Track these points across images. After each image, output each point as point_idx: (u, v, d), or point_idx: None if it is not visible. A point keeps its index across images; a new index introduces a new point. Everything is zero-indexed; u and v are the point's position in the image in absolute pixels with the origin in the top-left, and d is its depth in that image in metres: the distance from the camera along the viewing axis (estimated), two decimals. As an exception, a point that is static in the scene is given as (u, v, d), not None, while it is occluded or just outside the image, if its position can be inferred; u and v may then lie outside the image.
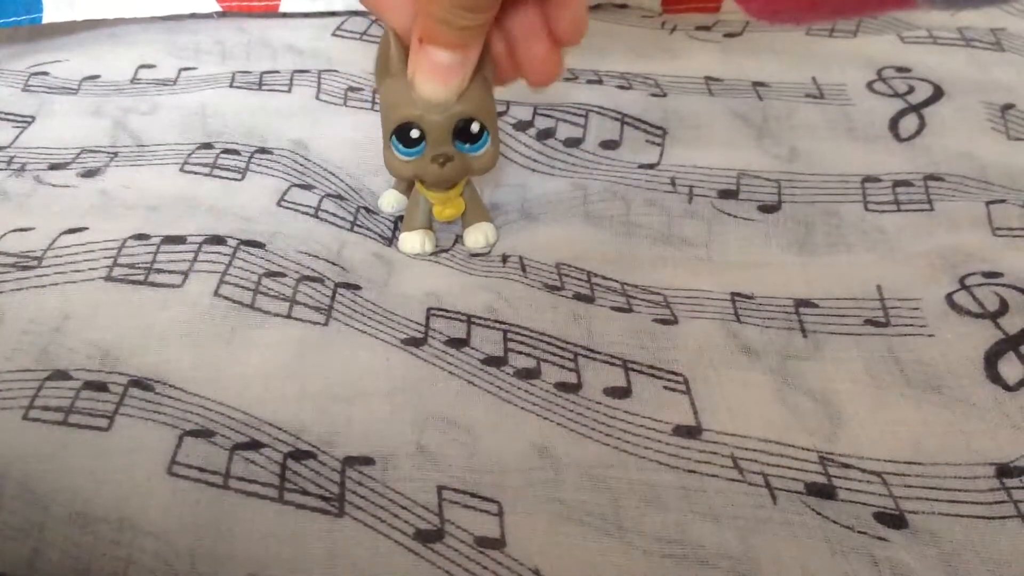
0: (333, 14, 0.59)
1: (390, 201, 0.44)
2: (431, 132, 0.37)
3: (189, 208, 0.42)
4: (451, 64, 0.35)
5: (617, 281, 0.40)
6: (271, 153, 0.46)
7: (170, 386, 0.34)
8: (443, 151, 0.38)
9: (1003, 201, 0.43)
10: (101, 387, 0.33)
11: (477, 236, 0.42)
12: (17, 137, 0.48)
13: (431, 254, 0.41)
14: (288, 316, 0.36)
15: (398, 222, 0.44)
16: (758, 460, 0.32)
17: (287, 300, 0.37)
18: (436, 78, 0.36)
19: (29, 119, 0.50)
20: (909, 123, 0.49)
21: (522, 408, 0.34)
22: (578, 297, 0.38)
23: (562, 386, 0.35)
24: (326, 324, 0.36)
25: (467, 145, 0.38)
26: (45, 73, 0.54)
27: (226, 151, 0.46)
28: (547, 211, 0.44)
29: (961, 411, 0.34)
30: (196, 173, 0.45)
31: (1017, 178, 0.45)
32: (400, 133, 0.38)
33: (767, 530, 0.30)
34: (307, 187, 0.44)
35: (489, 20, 0.35)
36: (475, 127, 0.38)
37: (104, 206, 0.43)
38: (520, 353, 0.36)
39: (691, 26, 0.59)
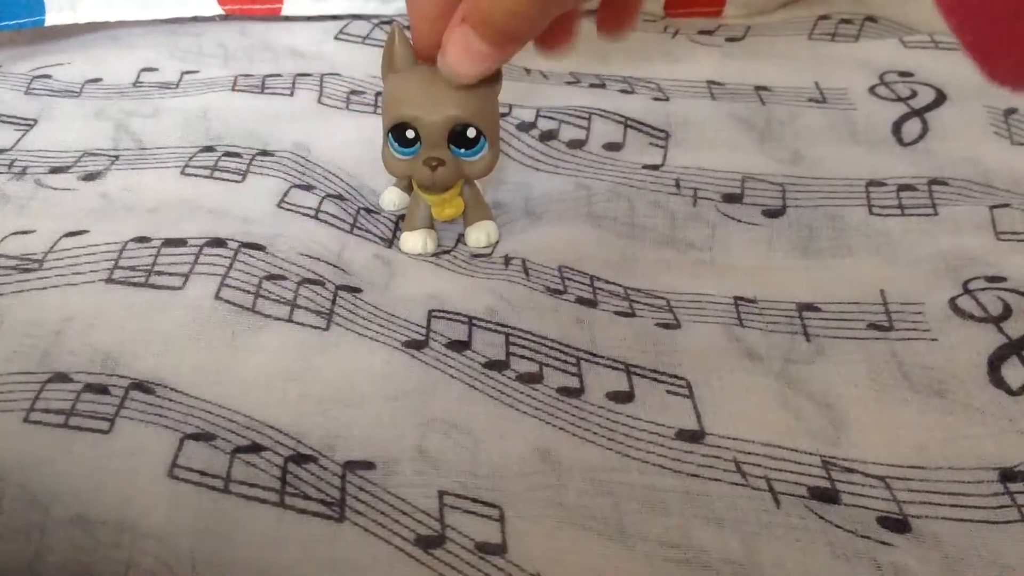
0: (335, 18, 0.59)
1: (391, 199, 0.44)
2: (426, 134, 0.37)
3: (190, 211, 0.42)
4: (484, 53, 0.34)
5: (620, 285, 0.40)
6: (272, 155, 0.46)
7: (171, 389, 0.33)
8: (436, 155, 0.38)
9: (1007, 205, 0.43)
10: (102, 390, 0.33)
11: (479, 235, 0.42)
12: (19, 140, 0.48)
13: (432, 255, 0.41)
14: (289, 320, 0.36)
15: (399, 222, 0.44)
16: (761, 464, 0.32)
17: (288, 304, 0.37)
18: (465, 61, 0.34)
19: (31, 122, 0.50)
20: (912, 127, 0.49)
21: (524, 412, 0.34)
22: (581, 301, 0.38)
23: (564, 390, 0.34)
24: (327, 328, 0.36)
25: (463, 150, 0.38)
26: (47, 76, 0.54)
27: (227, 154, 0.46)
28: (550, 210, 0.44)
29: (964, 415, 0.34)
30: (197, 176, 0.45)
31: (1021, 182, 0.45)
32: (396, 132, 0.38)
33: (770, 534, 0.30)
34: (307, 187, 0.44)
35: (540, 29, 0.34)
36: (471, 132, 0.37)
37: (105, 209, 0.43)
38: (522, 357, 0.35)
39: (693, 30, 0.59)
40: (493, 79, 0.38)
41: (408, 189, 0.43)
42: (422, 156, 0.38)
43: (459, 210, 0.41)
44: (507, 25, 0.33)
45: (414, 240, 0.41)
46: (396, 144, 0.38)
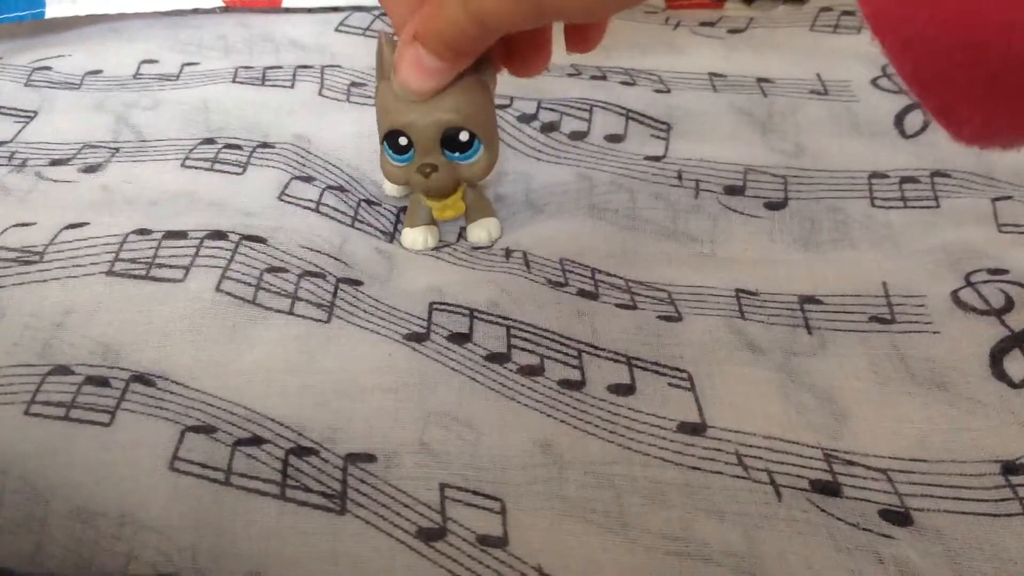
0: (336, 9, 0.59)
1: (393, 184, 0.44)
2: (418, 140, 0.37)
3: (190, 203, 0.42)
4: (435, 68, 0.35)
5: (621, 278, 0.40)
6: (273, 147, 0.46)
7: (172, 381, 0.33)
8: (429, 161, 0.37)
9: (1009, 198, 0.43)
10: (103, 382, 0.33)
11: (480, 233, 0.42)
12: (19, 132, 0.48)
13: (433, 249, 0.41)
14: (290, 312, 0.36)
15: (400, 215, 0.43)
16: (763, 457, 0.32)
17: (289, 296, 0.37)
18: (417, 76, 0.35)
19: (31, 114, 0.50)
20: (914, 119, 0.49)
21: (525, 405, 0.33)
22: (582, 293, 0.38)
23: (566, 383, 0.34)
24: (328, 321, 0.36)
25: (457, 154, 0.38)
26: (47, 68, 0.54)
27: (228, 146, 0.46)
28: (552, 202, 0.44)
29: (966, 408, 0.34)
30: (198, 168, 0.45)
31: (1023, 174, 0.45)
32: (390, 139, 0.37)
33: (772, 527, 0.30)
34: (308, 179, 0.44)
35: (486, 47, 0.35)
36: (464, 136, 0.37)
37: (105, 201, 0.43)
38: (523, 350, 0.35)
39: (695, 22, 0.59)
40: (485, 77, 0.38)
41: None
42: (416, 162, 0.38)
43: (460, 211, 0.41)
44: (455, 41, 0.33)
45: (415, 236, 0.41)
46: (391, 151, 0.38)
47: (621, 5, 0.32)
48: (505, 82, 0.40)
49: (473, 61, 0.35)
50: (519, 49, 0.37)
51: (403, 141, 0.37)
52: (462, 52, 0.34)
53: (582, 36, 0.37)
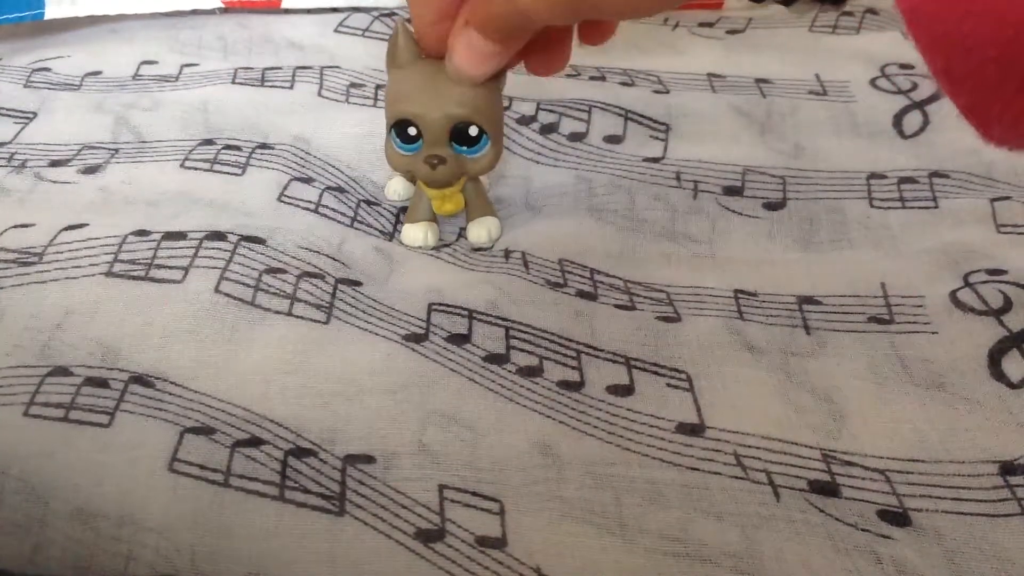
0: (335, 10, 0.59)
1: (396, 188, 0.44)
2: (428, 131, 0.37)
3: (190, 204, 0.42)
4: (488, 53, 0.35)
5: (620, 278, 0.40)
6: (272, 148, 0.46)
7: (171, 383, 0.33)
8: (437, 152, 0.38)
9: (1008, 198, 0.43)
10: (102, 383, 0.33)
11: (480, 231, 0.42)
12: (18, 133, 0.48)
13: (433, 248, 0.41)
14: (289, 313, 0.36)
15: (400, 215, 0.43)
16: (761, 458, 0.32)
17: (288, 297, 0.37)
18: (470, 61, 0.36)
19: (31, 115, 0.50)
20: (913, 120, 0.49)
21: (524, 406, 0.33)
22: (581, 294, 0.38)
23: (564, 384, 0.34)
24: (327, 322, 0.36)
25: (464, 148, 0.38)
26: (47, 69, 0.54)
27: (227, 147, 0.46)
28: (551, 204, 0.44)
29: (965, 409, 0.34)
30: (197, 169, 0.45)
31: (1021, 175, 0.45)
32: (399, 128, 0.38)
33: (770, 528, 0.30)
34: (307, 180, 0.44)
35: (534, 31, 0.35)
36: (473, 130, 0.37)
37: (105, 202, 0.43)
38: (522, 350, 0.35)
39: (694, 23, 0.59)
40: (496, 75, 0.38)
41: (413, 179, 0.43)
42: (423, 153, 0.38)
43: (459, 206, 0.41)
44: (505, 25, 0.34)
45: (415, 232, 0.41)
46: (398, 140, 0.38)
47: (657, 7, 0.32)
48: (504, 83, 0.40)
49: (524, 44, 0.36)
50: (538, 47, 0.38)
51: (412, 131, 0.38)
52: (512, 35, 0.35)
53: (597, 28, 0.38)
